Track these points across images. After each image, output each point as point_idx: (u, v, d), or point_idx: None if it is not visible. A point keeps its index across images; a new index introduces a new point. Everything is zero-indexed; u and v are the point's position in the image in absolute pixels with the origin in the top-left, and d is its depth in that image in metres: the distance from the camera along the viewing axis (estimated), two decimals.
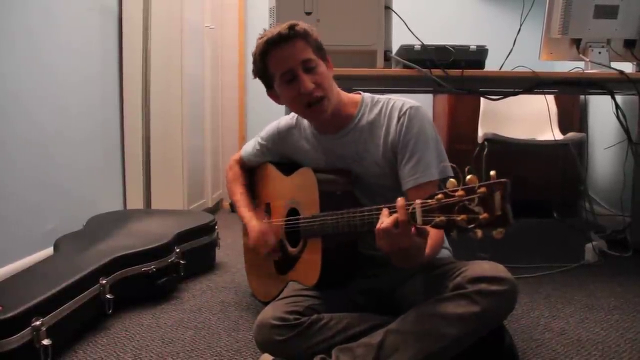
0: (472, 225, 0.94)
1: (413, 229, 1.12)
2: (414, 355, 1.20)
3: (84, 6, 2.71)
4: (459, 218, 0.96)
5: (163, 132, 3.15)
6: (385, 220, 1.14)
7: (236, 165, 1.90)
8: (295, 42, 1.41)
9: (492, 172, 0.93)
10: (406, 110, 1.46)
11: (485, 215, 0.92)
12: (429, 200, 1.03)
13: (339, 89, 1.53)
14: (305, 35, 1.42)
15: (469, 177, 0.95)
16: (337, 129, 1.54)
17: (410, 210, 1.09)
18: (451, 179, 1.00)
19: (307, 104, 1.44)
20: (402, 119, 1.45)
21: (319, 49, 1.46)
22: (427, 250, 1.24)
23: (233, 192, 1.85)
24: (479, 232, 0.94)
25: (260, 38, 1.45)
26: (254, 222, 1.70)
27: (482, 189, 0.93)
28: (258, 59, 1.47)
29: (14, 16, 2.15)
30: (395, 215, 1.13)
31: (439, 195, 1.01)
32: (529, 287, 2.11)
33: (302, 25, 1.43)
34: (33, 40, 2.27)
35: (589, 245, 2.49)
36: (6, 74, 2.10)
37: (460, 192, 0.96)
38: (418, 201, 1.07)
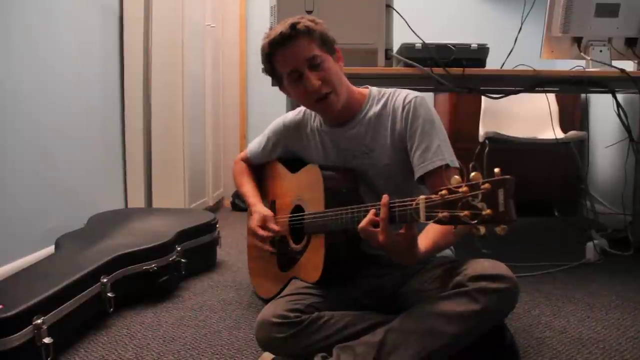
0: (475, 221, 0.94)
1: (403, 229, 1.16)
2: (415, 353, 1.20)
3: (85, 5, 2.71)
4: (462, 214, 0.96)
5: (164, 131, 3.15)
6: (365, 219, 1.20)
7: (242, 162, 1.92)
8: (299, 40, 1.41)
9: (497, 169, 0.94)
10: (411, 99, 1.47)
11: (488, 211, 0.92)
12: (433, 196, 1.04)
13: (349, 83, 1.53)
14: (308, 32, 1.42)
15: (473, 174, 0.96)
16: (344, 121, 1.55)
17: (414, 205, 1.10)
18: (455, 176, 1.00)
19: (316, 100, 1.45)
20: (407, 108, 1.47)
21: (325, 43, 1.46)
22: (429, 244, 1.27)
23: (240, 184, 1.86)
24: (482, 229, 0.94)
25: (265, 38, 1.46)
26: (260, 207, 1.71)
27: (486, 186, 0.93)
28: (265, 59, 1.48)
29: (14, 15, 2.15)
30: (371, 215, 1.20)
31: (443, 191, 1.01)
32: (529, 285, 2.11)
33: (305, 21, 1.42)
34: (33, 39, 2.27)
35: (590, 244, 2.49)
36: (6, 74, 2.10)
37: (464, 189, 0.97)
38: (422, 197, 1.08)
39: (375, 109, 1.53)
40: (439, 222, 1.02)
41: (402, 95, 1.51)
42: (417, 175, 1.43)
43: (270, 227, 1.62)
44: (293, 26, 1.40)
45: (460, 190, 0.98)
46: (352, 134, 1.54)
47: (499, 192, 0.92)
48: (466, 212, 0.96)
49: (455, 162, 1.42)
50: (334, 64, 1.47)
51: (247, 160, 1.91)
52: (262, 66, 1.54)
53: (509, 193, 0.91)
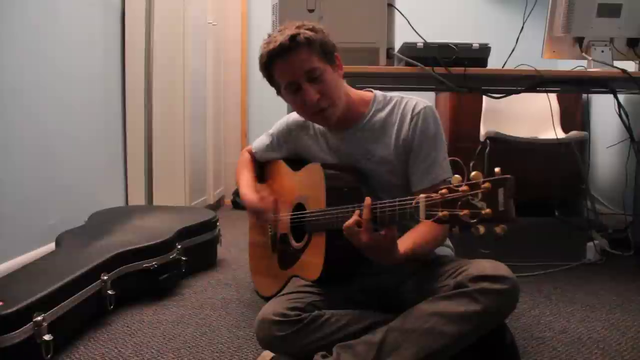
0: (474, 220, 0.94)
1: (384, 231, 1.20)
2: (415, 353, 1.20)
3: (87, 2, 2.71)
4: (461, 213, 0.96)
5: (165, 129, 3.15)
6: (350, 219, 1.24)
7: (247, 153, 1.90)
8: (298, 52, 1.38)
9: (497, 169, 0.94)
10: (420, 110, 1.46)
11: (488, 210, 0.92)
12: (433, 195, 1.04)
13: (348, 88, 1.52)
14: (308, 43, 1.38)
15: (473, 173, 0.96)
16: (346, 126, 1.53)
17: (414, 204, 1.10)
18: (456, 175, 1.00)
19: (313, 112, 1.44)
20: (415, 119, 1.46)
21: (325, 53, 1.42)
22: (409, 246, 1.29)
23: (238, 174, 1.84)
24: (482, 228, 0.94)
25: (264, 46, 1.42)
26: (250, 195, 1.68)
27: (486, 185, 0.93)
28: (262, 67, 1.45)
29: (16, 12, 2.15)
30: (356, 215, 1.23)
31: (443, 190, 1.01)
32: (530, 285, 2.11)
33: (305, 31, 1.39)
34: (35, 36, 2.27)
35: (590, 244, 2.49)
36: (8, 71, 2.10)
37: (464, 188, 0.97)
38: (422, 196, 1.08)
39: (381, 114, 1.51)
40: (439, 221, 1.02)
41: (411, 103, 1.49)
42: (421, 186, 1.43)
43: (267, 201, 1.64)
44: (293, 38, 1.36)
45: (460, 189, 0.97)
46: (356, 139, 1.53)
47: (499, 191, 0.92)
48: (466, 211, 0.95)
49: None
50: (333, 74, 1.44)
51: (252, 153, 1.90)
52: None
53: (509, 192, 0.91)
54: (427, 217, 1.05)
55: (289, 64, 1.39)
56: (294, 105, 1.48)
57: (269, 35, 1.44)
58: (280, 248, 1.69)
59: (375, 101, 1.54)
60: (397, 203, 1.16)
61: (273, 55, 1.39)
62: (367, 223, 1.20)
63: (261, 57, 1.44)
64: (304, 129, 1.67)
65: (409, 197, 1.13)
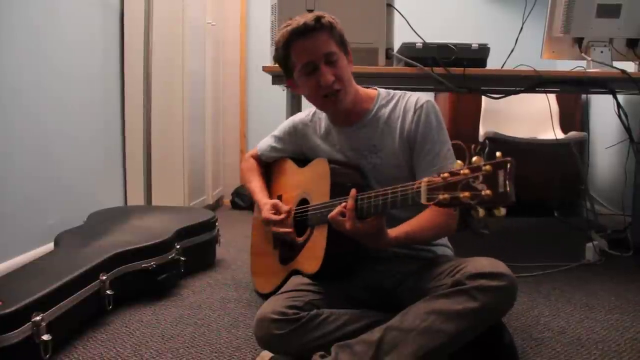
0: (474, 202, 0.94)
1: (370, 219, 1.26)
2: (413, 351, 1.20)
3: (86, 2, 2.71)
4: (462, 195, 0.96)
5: (164, 129, 3.15)
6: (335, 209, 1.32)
7: (251, 158, 1.92)
8: (320, 34, 1.43)
9: (499, 153, 0.95)
10: (422, 104, 1.50)
11: (488, 192, 0.93)
12: (435, 178, 1.05)
13: (354, 85, 1.54)
14: (330, 28, 1.44)
15: (475, 157, 0.96)
16: (353, 121, 1.56)
17: (415, 188, 1.11)
18: (458, 161, 1.01)
19: (325, 95, 1.46)
20: (418, 112, 1.49)
21: (342, 43, 1.48)
22: (402, 230, 1.35)
23: (248, 180, 1.87)
24: (481, 210, 0.94)
25: (285, 26, 1.46)
26: (266, 200, 1.73)
27: (487, 167, 0.94)
28: (281, 46, 1.48)
29: (15, 11, 2.15)
30: (340, 207, 1.31)
31: (445, 174, 1.02)
32: (529, 286, 2.11)
33: (328, 17, 1.45)
34: (34, 36, 2.27)
35: (589, 245, 2.49)
36: (8, 71, 2.10)
37: (465, 171, 0.98)
38: (425, 179, 1.09)
39: (385, 109, 1.54)
40: (439, 203, 1.02)
41: (413, 98, 1.53)
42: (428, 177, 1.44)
43: (282, 210, 1.64)
44: (318, 19, 1.42)
45: (461, 172, 0.98)
46: (362, 134, 1.55)
47: (499, 173, 0.93)
48: (466, 193, 0.96)
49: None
50: (347, 64, 1.49)
51: (256, 156, 1.91)
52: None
53: (509, 175, 0.92)
54: (429, 201, 1.06)
55: (311, 43, 1.43)
56: (307, 87, 1.49)
57: (290, 19, 1.48)
58: (282, 244, 1.69)
59: (379, 97, 1.57)
60: (398, 188, 1.18)
61: (295, 34, 1.43)
62: (350, 212, 1.27)
63: (282, 35, 1.47)
64: (310, 128, 1.69)
65: (410, 182, 1.15)
